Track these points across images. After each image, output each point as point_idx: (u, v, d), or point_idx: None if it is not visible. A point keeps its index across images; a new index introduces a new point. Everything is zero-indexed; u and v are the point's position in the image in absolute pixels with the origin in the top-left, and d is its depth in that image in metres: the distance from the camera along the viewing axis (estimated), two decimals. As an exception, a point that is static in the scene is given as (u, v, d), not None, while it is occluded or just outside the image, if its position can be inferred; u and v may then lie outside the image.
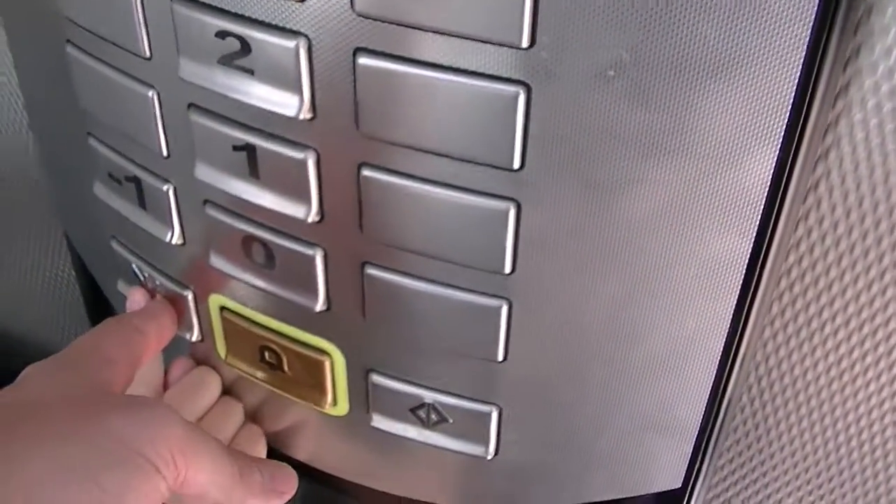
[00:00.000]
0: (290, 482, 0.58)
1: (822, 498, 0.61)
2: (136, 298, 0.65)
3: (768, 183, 0.45)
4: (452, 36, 0.43)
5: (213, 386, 0.67)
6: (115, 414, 0.49)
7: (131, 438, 0.48)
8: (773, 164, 0.45)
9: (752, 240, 0.47)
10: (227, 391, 0.69)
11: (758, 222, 0.47)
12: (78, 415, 0.49)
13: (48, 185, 0.75)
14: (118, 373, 0.54)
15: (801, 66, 0.42)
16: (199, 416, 0.67)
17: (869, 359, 0.53)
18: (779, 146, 0.44)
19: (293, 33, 0.46)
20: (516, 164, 0.45)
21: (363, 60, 0.45)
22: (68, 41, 0.56)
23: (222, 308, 0.61)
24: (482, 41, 0.42)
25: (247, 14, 0.46)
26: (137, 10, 0.50)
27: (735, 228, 0.47)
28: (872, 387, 0.55)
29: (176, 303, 0.63)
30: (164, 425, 0.50)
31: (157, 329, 0.59)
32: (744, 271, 0.48)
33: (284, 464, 0.58)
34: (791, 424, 0.58)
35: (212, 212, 0.55)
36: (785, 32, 0.40)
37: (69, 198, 0.70)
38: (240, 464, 0.54)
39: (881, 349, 0.53)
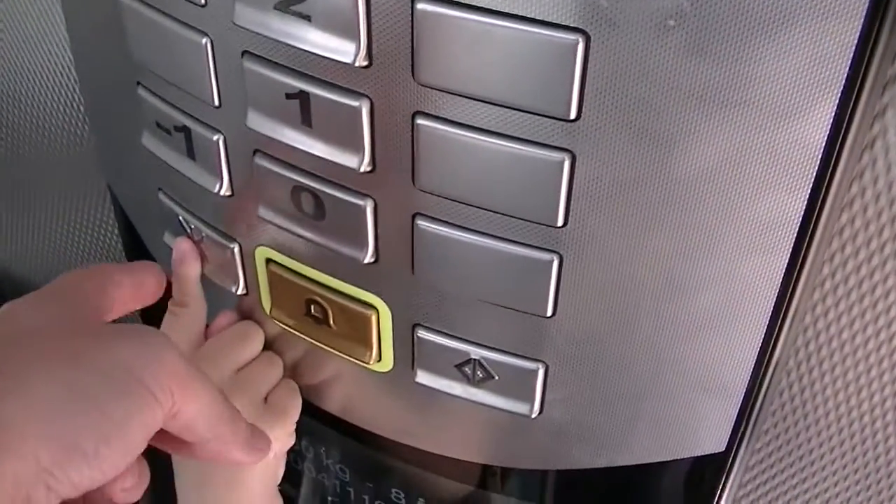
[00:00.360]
0: (267, 442, 0.57)
1: (865, 466, 0.61)
2: (182, 248, 0.65)
3: (825, 139, 0.45)
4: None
5: (256, 339, 0.67)
6: (117, 340, 0.49)
7: (134, 365, 0.47)
8: (831, 120, 0.44)
9: (807, 198, 0.47)
10: (268, 347, 0.69)
11: (813, 179, 0.46)
12: (79, 341, 0.48)
13: (94, 136, 0.75)
14: (103, 310, 0.54)
15: (863, 19, 0.41)
16: (239, 367, 0.67)
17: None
18: (837, 101, 0.44)
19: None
20: (573, 115, 0.45)
21: (421, 5, 0.44)
22: (121, -12, 0.56)
23: (268, 261, 0.61)
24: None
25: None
26: (192, -43, 0.50)
27: (790, 185, 0.46)
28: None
29: (210, 256, 0.63)
30: (165, 355, 0.49)
31: (133, 283, 0.58)
32: (797, 230, 0.48)
33: (259, 428, 0.58)
34: (837, 390, 0.58)
35: (262, 162, 0.55)
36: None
37: (115, 149, 0.70)
38: (231, 408, 0.54)
39: (934, 313, 0.52)
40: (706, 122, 0.44)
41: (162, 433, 0.50)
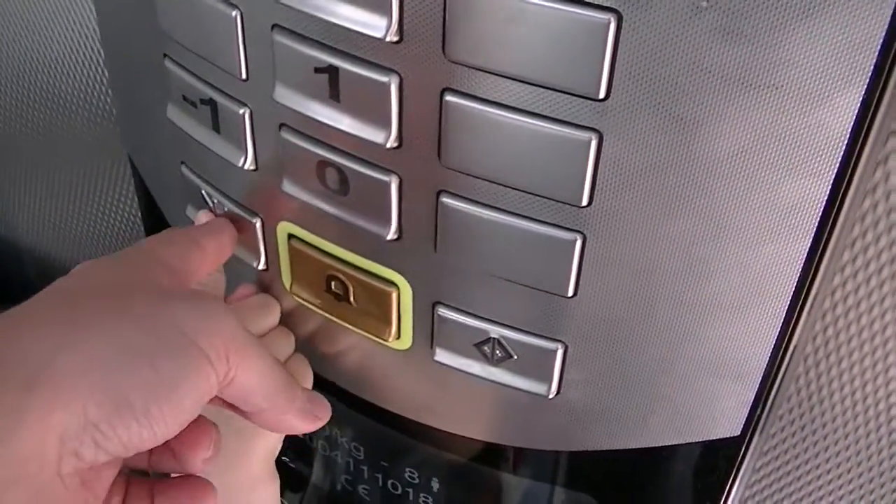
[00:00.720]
0: (325, 409, 0.58)
1: (880, 453, 0.61)
2: (204, 219, 0.65)
3: (851, 124, 0.45)
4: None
5: (275, 311, 0.68)
6: (175, 303, 0.49)
7: (190, 328, 0.48)
8: (858, 106, 0.44)
9: (831, 183, 0.47)
10: (286, 323, 0.69)
11: (837, 165, 0.46)
12: (137, 300, 0.49)
13: (116, 109, 0.75)
14: (174, 280, 0.54)
15: (893, 6, 0.41)
16: (257, 335, 0.67)
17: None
18: (865, 87, 0.44)
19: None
20: (602, 94, 0.45)
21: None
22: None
23: (290, 236, 0.61)
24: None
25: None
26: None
27: (814, 170, 0.46)
28: (942, 340, 0.55)
29: (241, 227, 0.63)
30: (221, 321, 0.50)
31: (217, 246, 0.59)
32: (819, 215, 0.48)
33: (319, 393, 0.58)
34: (854, 376, 0.58)
35: (287, 136, 0.55)
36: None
37: (138, 122, 0.71)
38: (287, 377, 0.54)
39: (955, 301, 0.53)
40: (733, 104, 0.45)
41: (218, 401, 0.51)
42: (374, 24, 0.47)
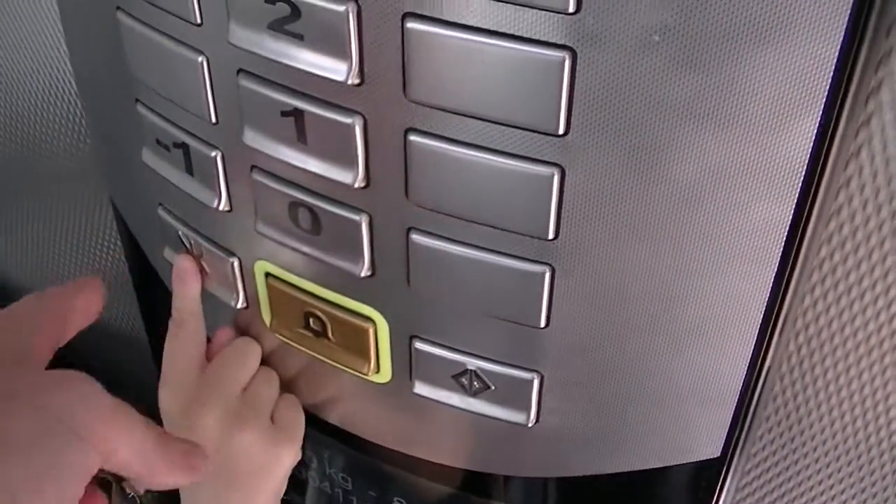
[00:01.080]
0: (201, 458, 0.57)
1: (860, 469, 0.62)
2: (182, 266, 0.66)
3: (810, 149, 0.46)
4: (499, 0, 0.43)
5: (255, 356, 0.68)
6: (41, 388, 0.47)
7: (61, 412, 0.46)
8: (815, 131, 0.45)
9: (794, 206, 0.48)
10: (269, 359, 0.70)
11: (799, 189, 0.47)
12: (10, 386, 0.47)
13: (96, 152, 0.76)
14: (38, 344, 0.52)
15: (843, 33, 0.42)
16: (243, 385, 0.68)
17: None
18: (821, 113, 0.44)
19: (342, -1, 0.46)
20: (561, 130, 0.46)
21: (411, 25, 0.45)
22: (118, 8, 0.57)
23: (268, 275, 0.62)
24: (528, 6, 0.43)
25: (296, -22, 0.47)
26: (188, -23, 0.51)
27: (777, 195, 0.47)
28: (914, 356, 0.55)
29: (217, 268, 0.64)
30: (91, 398, 0.48)
31: (82, 303, 0.57)
32: (785, 238, 0.49)
33: (192, 442, 0.57)
34: (830, 394, 0.58)
35: (259, 178, 0.56)
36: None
37: (117, 165, 0.71)
38: (160, 435, 0.53)
39: (923, 318, 0.53)
40: (692, 135, 0.45)
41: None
42: (335, 69, 0.48)
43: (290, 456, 0.69)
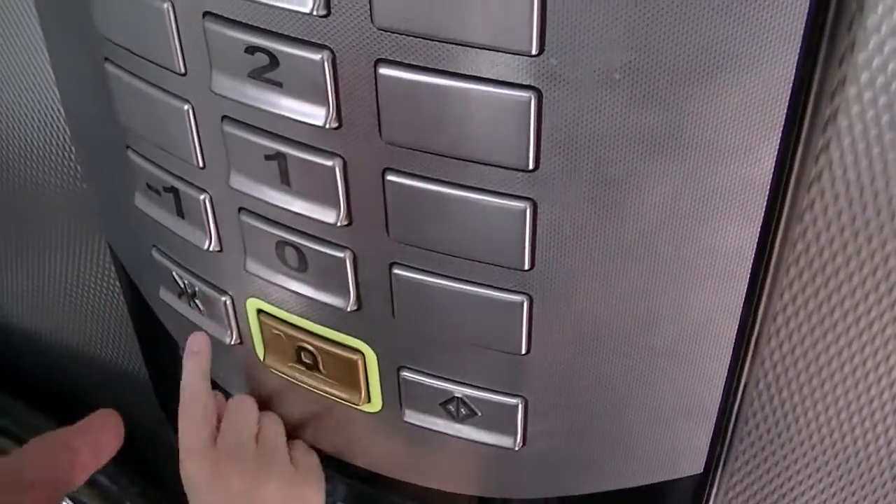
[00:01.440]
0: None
1: (840, 479, 0.63)
2: (197, 341, 0.68)
3: (771, 175, 0.48)
4: (467, 46, 0.45)
5: (254, 405, 0.70)
6: None
7: None
8: (775, 158, 0.47)
9: (759, 230, 0.50)
10: (266, 392, 0.72)
11: (763, 213, 0.49)
12: None
13: (91, 196, 0.78)
14: (36, 497, 0.52)
15: (796, 64, 0.44)
16: (255, 434, 0.70)
17: (878, 341, 0.56)
18: (779, 140, 0.46)
19: (318, 47, 0.48)
20: (531, 166, 0.48)
21: (384, 71, 0.47)
22: (107, 59, 0.59)
23: (259, 311, 0.64)
24: (495, 50, 0.45)
25: (274, 29, 0.49)
26: (172, 29, 0.53)
27: (741, 219, 0.49)
28: (882, 369, 0.57)
29: (210, 306, 0.66)
30: None
31: (93, 444, 0.56)
32: (752, 260, 0.51)
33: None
34: (807, 408, 0.60)
35: (246, 219, 0.58)
36: (779, 32, 0.43)
37: (111, 209, 0.73)
38: None
39: (889, 331, 0.55)
40: (656, 166, 0.47)
41: None
42: (314, 114, 0.50)
43: (316, 495, 0.70)
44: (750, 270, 0.51)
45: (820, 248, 0.53)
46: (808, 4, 0.42)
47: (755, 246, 0.50)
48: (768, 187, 0.48)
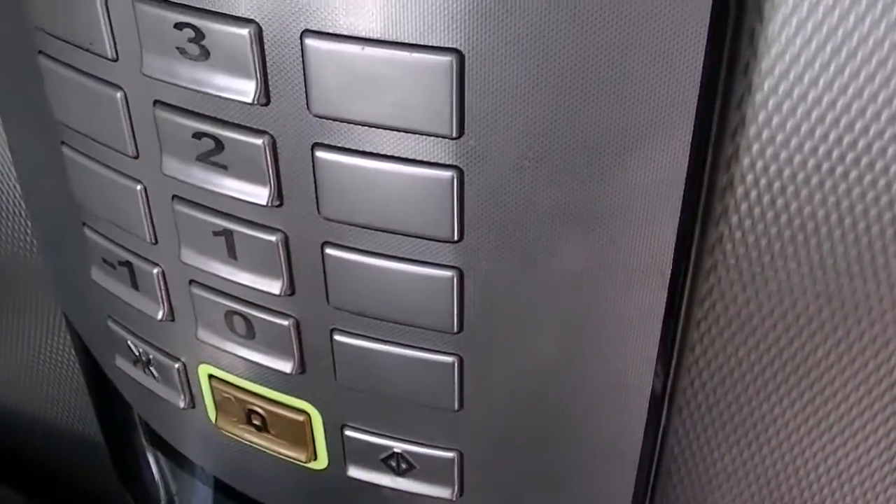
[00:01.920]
0: None
1: (758, 520, 0.68)
2: None
3: (673, 244, 0.53)
4: (394, 130, 0.50)
5: None
6: None
7: None
8: (675, 229, 0.52)
9: (665, 294, 0.55)
10: (216, 452, 0.76)
11: (668, 280, 0.54)
12: None
13: (47, 269, 0.82)
14: None
15: (689, 148, 0.49)
16: None
17: (784, 400, 0.61)
18: (678, 214, 0.51)
19: (260, 132, 0.53)
20: (456, 237, 0.53)
21: (320, 154, 0.52)
22: (63, 142, 0.63)
23: (210, 376, 0.68)
24: (420, 134, 0.50)
25: (220, 117, 0.53)
26: (125, 116, 0.57)
27: (649, 285, 0.54)
28: (791, 424, 0.62)
29: (163, 373, 0.70)
30: None
31: None
32: (661, 321, 0.56)
33: None
34: (723, 454, 0.65)
35: (197, 290, 0.62)
36: (670, 118, 0.48)
37: (67, 281, 0.77)
38: None
39: (791, 381, 0.60)
40: (571, 235, 0.52)
41: None
42: (257, 194, 0.54)
43: None
44: (661, 329, 0.56)
45: (725, 305, 0.58)
46: (697, 92, 0.47)
47: (663, 308, 0.55)
48: (672, 253, 0.53)
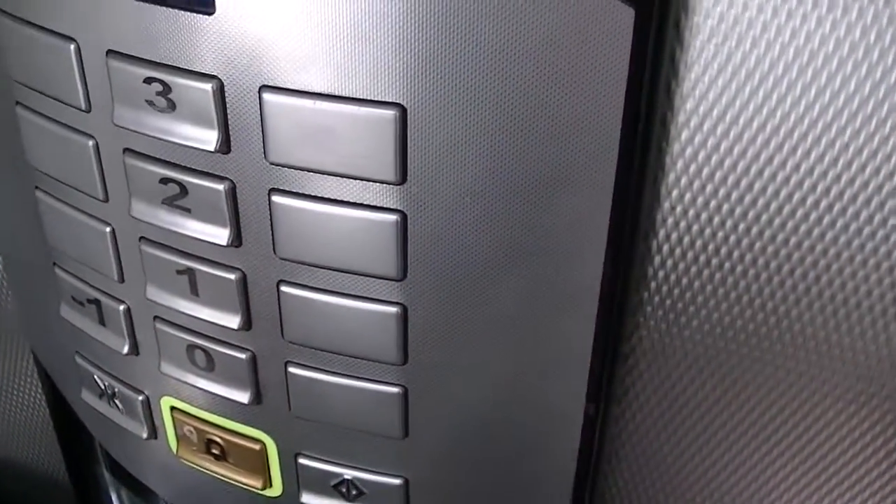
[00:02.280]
0: None
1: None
2: None
3: (600, 278, 0.57)
4: (343, 177, 0.55)
5: None
6: None
7: None
8: (602, 262, 0.57)
9: (593, 328, 0.59)
10: (178, 481, 0.79)
11: (595, 314, 0.59)
12: None
13: (16, 306, 0.86)
14: None
15: (611, 193, 0.54)
16: None
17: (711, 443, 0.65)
18: (605, 247, 0.56)
19: (221, 178, 0.57)
20: (400, 275, 0.57)
21: (276, 199, 0.56)
22: (37, 187, 0.68)
23: (172, 408, 0.72)
24: (366, 180, 0.55)
25: (184, 164, 0.58)
26: (95, 162, 0.61)
27: (578, 317, 0.59)
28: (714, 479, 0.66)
29: (127, 405, 0.74)
30: None
31: None
32: (589, 356, 0.60)
33: None
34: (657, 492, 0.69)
35: (161, 326, 0.66)
36: (593, 166, 0.53)
37: (36, 318, 0.81)
38: None
39: (719, 435, 0.65)
40: (503, 274, 0.57)
41: None
42: (217, 234, 0.59)
43: None
44: (589, 364, 0.61)
45: (652, 340, 0.63)
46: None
47: (592, 338, 0.60)
48: (598, 288, 0.58)
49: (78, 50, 0.58)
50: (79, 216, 0.65)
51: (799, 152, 0.54)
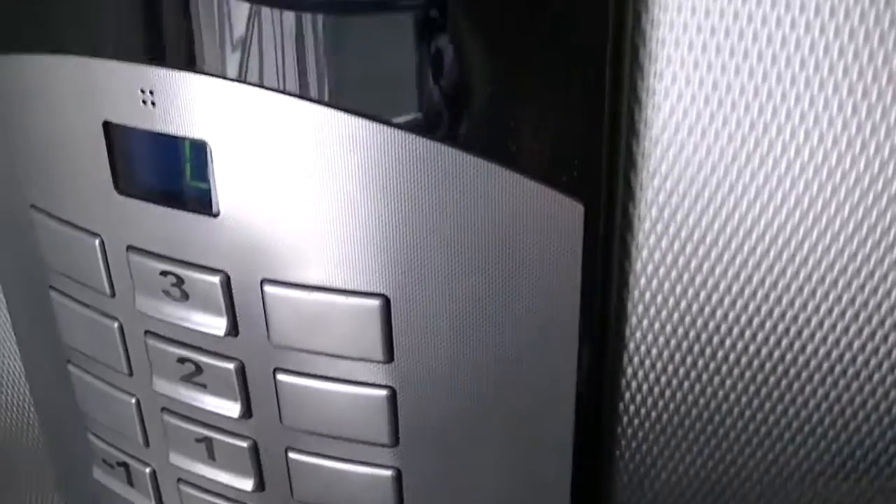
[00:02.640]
0: None
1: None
2: None
3: (571, 454, 0.63)
4: (338, 357, 0.61)
5: None
6: None
7: None
8: (571, 442, 0.62)
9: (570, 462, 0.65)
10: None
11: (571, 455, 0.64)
12: None
13: (53, 466, 0.92)
14: None
15: (576, 361, 0.60)
16: None
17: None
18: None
19: (231, 359, 0.64)
20: (391, 442, 0.63)
21: (281, 377, 0.62)
22: (69, 361, 0.74)
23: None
24: (359, 360, 0.61)
25: (199, 345, 0.64)
26: (120, 342, 0.68)
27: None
28: None
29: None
30: None
31: None
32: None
33: None
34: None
35: (184, 487, 0.72)
36: (557, 335, 0.59)
37: (70, 477, 0.88)
38: None
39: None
40: (485, 423, 0.63)
41: None
42: (231, 408, 0.65)
43: None
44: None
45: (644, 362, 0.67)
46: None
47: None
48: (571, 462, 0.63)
49: (102, 244, 0.65)
50: (107, 388, 0.72)
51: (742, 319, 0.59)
